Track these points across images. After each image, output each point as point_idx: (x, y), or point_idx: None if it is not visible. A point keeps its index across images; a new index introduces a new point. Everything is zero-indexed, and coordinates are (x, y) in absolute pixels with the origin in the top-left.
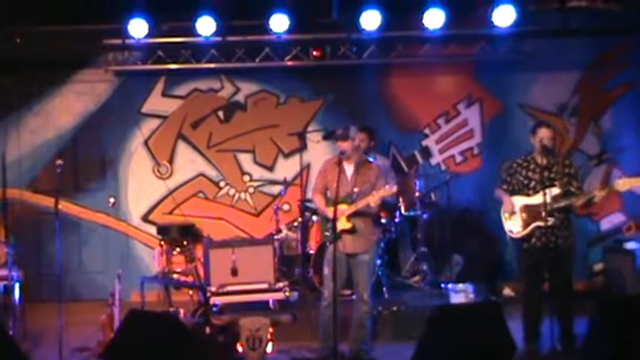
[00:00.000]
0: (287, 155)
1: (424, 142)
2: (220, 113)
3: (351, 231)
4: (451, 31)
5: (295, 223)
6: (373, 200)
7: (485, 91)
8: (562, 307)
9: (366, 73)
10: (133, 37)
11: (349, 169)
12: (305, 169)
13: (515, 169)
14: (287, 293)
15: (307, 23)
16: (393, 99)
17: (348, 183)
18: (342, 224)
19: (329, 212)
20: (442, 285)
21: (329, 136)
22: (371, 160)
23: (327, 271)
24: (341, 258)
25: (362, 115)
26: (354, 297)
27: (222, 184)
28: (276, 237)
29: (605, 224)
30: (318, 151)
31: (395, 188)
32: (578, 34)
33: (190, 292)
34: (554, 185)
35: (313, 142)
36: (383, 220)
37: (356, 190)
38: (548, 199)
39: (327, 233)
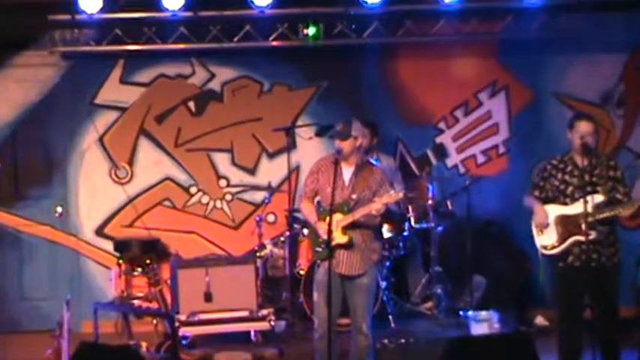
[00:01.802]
0: (272, 155)
1: (438, 139)
2: (191, 104)
3: (347, 246)
4: (471, 4)
5: (282, 238)
6: (376, 208)
7: (512, 76)
8: (606, 339)
9: (368, 56)
10: (84, 12)
11: (347, 171)
12: (294, 171)
13: (549, 172)
14: (272, 322)
15: None
16: (400, 87)
17: (345, 188)
18: (337, 237)
19: (320, 223)
20: (460, 313)
21: (324, 131)
22: (373, 162)
23: (317, 296)
24: (335, 280)
25: (363, 107)
26: (351, 328)
27: (193, 190)
28: (258, 254)
29: None
30: (310, 150)
31: (402, 194)
32: (626, 7)
33: (154, 321)
34: (596, 191)
35: (304, 139)
36: (388, 234)
37: (354, 196)
38: (590, 209)
39: (318, 249)
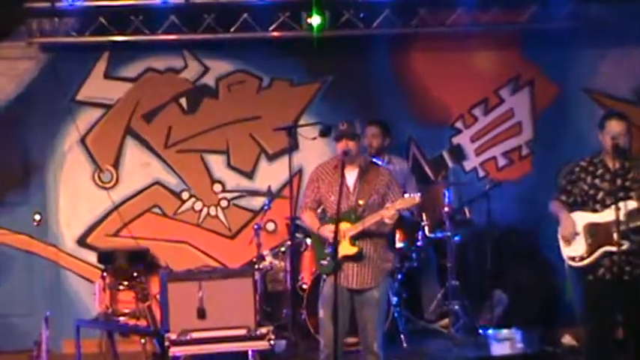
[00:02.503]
0: (272, 157)
1: (455, 140)
2: (183, 101)
3: (357, 258)
4: None
5: (283, 248)
6: (389, 215)
7: (537, 71)
8: None
9: (378, 48)
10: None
11: (351, 175)
12: (296, 175)
13: (577, 176)
14: (272, 342)
15: None
16: (413, 82)
17: (350, 194)
18: (345, 249)
19: (324, 230)
20: (480, 331)
21: (329, 131)
22: (379, 163)
23: (323, 312)
24: (343, 295)
25: (372, 104)
26: (360, 347)
27: (185, 195)
28: (257, 266)
29: None
30: (313, 152)
31: (419, 197)
32: None
33: (143, 340)
34: (629, 197)
35: (307, 139)
36: (400, 245)
37: (361, 202)
38: (622, 216)
39: (323, 262)
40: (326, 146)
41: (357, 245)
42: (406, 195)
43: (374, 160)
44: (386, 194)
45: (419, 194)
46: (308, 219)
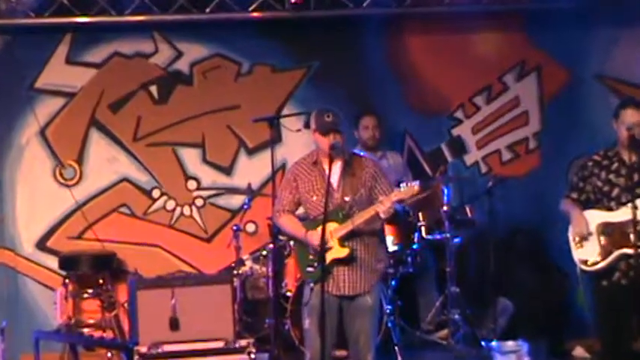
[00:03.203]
0: (252, 151)
1: (455, 131)
2: (153, 89)
3: (348, 260)
4: None
5: (264, 252)
6: (384, 209)
7: (544, 55)
8: None
9: (369, 30)
10: None
11: (334, 171)
12: (279, 171)
13: (590, 171)
14: (252, 355)
15: None
16: (408, 68)
17: (335, 191)
18: (334, 251)
19: (311, 236)
20: (482, 342)
21: None
22: (361, 154)
23: (309, 323)
24: (331, 303)
25: (363, 92)
26: None
27: (156, 193)
28: (236, 272)
29: None
30: (298, 145)
31: (418, 186)
32: None
33: (109, 353)
34: None
35: (291, 131)
36: (394, 247)
37: (347, 199)
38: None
39: (309, 269)
40: (312, 138)
41: (347, 246)
42: (402, 185)
43: (355, 151)
44: (373, 187)
45: (418, 182)
46: (289, 224)
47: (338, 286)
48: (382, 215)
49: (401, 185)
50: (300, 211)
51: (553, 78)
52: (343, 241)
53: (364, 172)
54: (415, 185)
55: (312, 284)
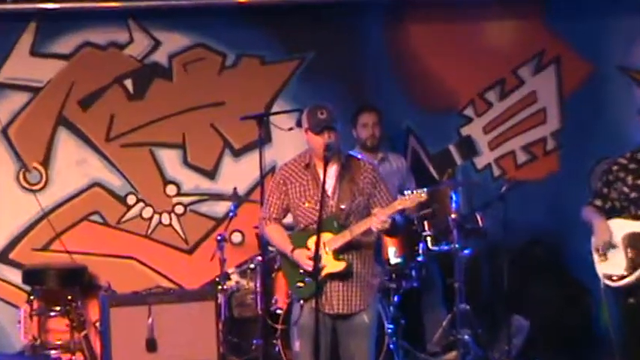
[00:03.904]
0: (239, 153)
1: (464, 131)
2: (128, 83)
3: (343, 275)
4: None
5: (252, 265)
6: (377, 222)
7: (564, 45)
8: None
9: (369, 17)
10: None
11: (328, 175)
12: (268, 174)
13: (615, 175)
14: None
15: None
16: (412, 60)
17: (329, 197)
18: (329, 265)
19: (299, 256)
20: None
21: None
22: (359, 156)
23: (300, 345)
24: (324, 321)
25: (361, 86)
26: None
27: (131, 200)
28: (220, 287)
29: None
30: (289, 146)
31: (425, 194)
32: None
33: None
34: None
35: (282, 130)
36: (395, 260)
37: (343, 206)
38: None
39: (299, 285)
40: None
41: (343, 259)
42: (407, 192)
43: (351, 153)
44: (372, 195)
45: (425, 190)
46: (276, 235)
47: (331, 303)
48: (374, 229)
49: (405, 193)
50: (287, 219)
51: (573, 71)
52: (338, 253)
53: (362, 177)
54: (422, 193)
55: (301, 302)
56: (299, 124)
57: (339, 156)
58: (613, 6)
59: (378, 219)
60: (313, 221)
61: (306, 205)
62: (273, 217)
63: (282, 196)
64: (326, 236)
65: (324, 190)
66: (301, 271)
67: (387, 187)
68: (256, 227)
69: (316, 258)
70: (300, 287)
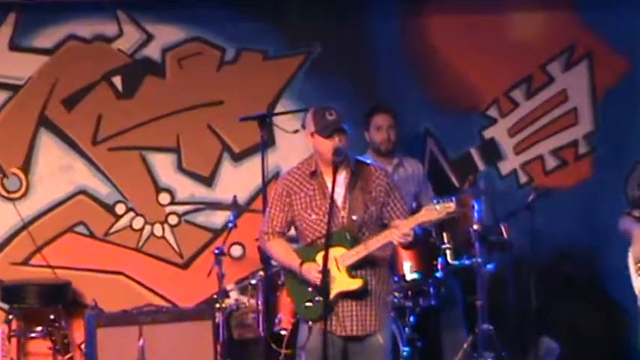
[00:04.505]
0: (238, 157)
1: (488, 133)
2: (117, 80)
3: (358, 294)
4: None
5: (253, 281)
6: (399, 235)
7: (598, 40)
8: None
9: (381, 8)
10: None
11: (337, 183)
12: (271, 181)
13: None
14: None
15: None
16: (430, 55)
17: (339, 208)
18: (342, 283)
19: (308, 270)
20: None
21: None
22: (369, 162)
23: None
24: (334, 345)
25: (374, 84)
26: None
27: (120, 209)
28: (218, 305)
29: None
30: (295, 150)
31: (454, 205)
32: None
33: None
34: None
35: (286, 132)
36: (411, 276)
37: (355, 218)
38: None
39: (308, 304)
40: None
41: (358, 276)
42: (436, 202)
43: (361, 158)
44: (385, 204)
45: (454, 199)
46: (280, 250)
47: (343, 324)
48: (396, 243)
49: (435, 203)
50: (290, 232)
51: (608, 67)
52: (352, 270)
53: (374, 184)
54: (451, 204)
55: (310, 323)
56: (305, 126)
57: (347, 162)
58: None
59: (400, 232)
60: (322, 235)
61: (313, 217)
62: (277, 231)
63: (285, 208)
64: (337, 251)
65: (332, 200)
66: (310, 289)
67: (402, 194)
68: (258, 239)
69: (324, 272)
70: (309, 307)
